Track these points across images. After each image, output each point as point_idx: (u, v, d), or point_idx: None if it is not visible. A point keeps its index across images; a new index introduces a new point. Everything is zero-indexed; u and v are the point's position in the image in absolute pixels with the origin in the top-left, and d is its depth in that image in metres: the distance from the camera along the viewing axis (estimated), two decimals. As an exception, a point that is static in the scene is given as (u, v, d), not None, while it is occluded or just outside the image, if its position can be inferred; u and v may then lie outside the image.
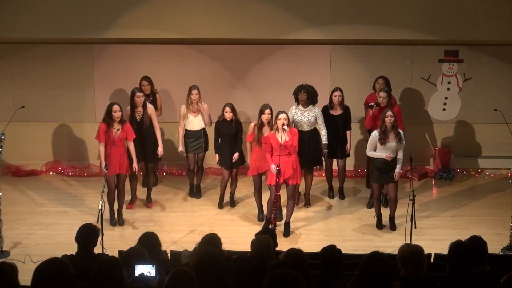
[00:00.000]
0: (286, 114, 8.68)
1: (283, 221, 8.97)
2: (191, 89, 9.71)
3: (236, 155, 9.46)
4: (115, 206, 9.15)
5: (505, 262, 6.95)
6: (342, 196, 10.19)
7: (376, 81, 10.16)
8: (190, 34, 10.07)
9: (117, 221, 9.15)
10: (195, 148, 9.88)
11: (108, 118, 8.86)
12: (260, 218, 9.27)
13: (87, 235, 5.91)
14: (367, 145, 8.98)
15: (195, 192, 10.15)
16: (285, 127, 8.53)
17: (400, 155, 8.74)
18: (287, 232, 8.87)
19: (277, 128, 8.64)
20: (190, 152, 9.91)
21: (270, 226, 8.54)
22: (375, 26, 10.03)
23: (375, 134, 8.79)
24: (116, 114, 8.82)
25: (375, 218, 9.13)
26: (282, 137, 8.58)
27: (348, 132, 9.87)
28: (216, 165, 9.93)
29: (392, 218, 9.04)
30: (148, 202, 9.77)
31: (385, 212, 9.16)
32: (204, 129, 9.88)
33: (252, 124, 9.25)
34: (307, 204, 9.82)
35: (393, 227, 9.03)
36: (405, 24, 10.04)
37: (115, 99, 9.89)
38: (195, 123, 9.79)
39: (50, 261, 4.70)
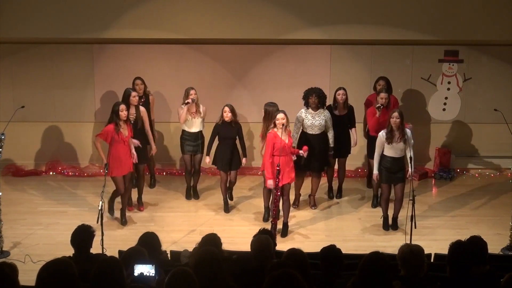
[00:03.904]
0: (285, 113, 8.67)
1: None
2: (189, 90, 9.66)
3: (244, 160, 9.54)
4: (118, 206, 9.17)
5: (505, 262, 6.95)
6: (339, 195, 10.19)
7: (377, 82, 10.11)
8: (190, 34, 10.07)
9: (120, 221, 9.15)
10: (192, 149, 9.85)
11: (116, 118, 8.85)
12: (265, 219, 9.25)
13: (82, 238, 5.88)
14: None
15: (193, 194, 10.12)
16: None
17: (409, 154, 8.67)
18: (285, 233, 8.86)
19: (276, 127, 8.63)
20: (186, 153, 9.89)
21: (270, 226, 8.53)
22: (375, 26, 10.03)
23: (382, 134, 8.79)
24: (123, 113, 8.82)
25: (382, 219, 9.11)
26: (283, 137, 8.59)
27: (353, 129, 9.88)
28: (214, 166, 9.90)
29: (395, 218, 9.05)
30: (140, 205, 9.70)
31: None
32: (201, 131, 9.84)
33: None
34: (313, 205, 9.80)
35: (395, 226, 9.05)
36: (405, 24, 10.05)
37: (115, 99, 9.89)
38: (194, 124, 9.76)
39: (55, 261, 4.70)
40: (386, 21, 10.03)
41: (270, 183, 8.64)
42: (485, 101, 11.10)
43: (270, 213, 8.84)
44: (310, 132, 9.35)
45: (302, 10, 9.99)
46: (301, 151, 8.83)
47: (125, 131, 8.90)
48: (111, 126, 8.82)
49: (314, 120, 9.36)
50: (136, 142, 9.12)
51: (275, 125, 8.63)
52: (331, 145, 9.51)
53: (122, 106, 8.86)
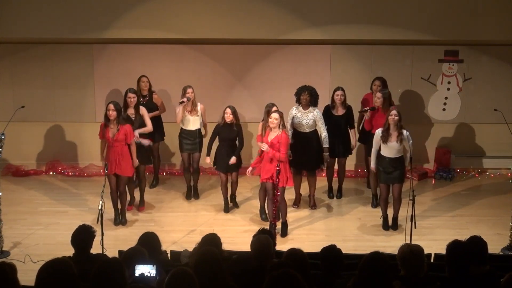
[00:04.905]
0: (279, 114, 8.68)
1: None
2: (186, 88, 9.69)
3: (233, 159, 9.36)
4: (118, 206, 9.16)
5: (505, 262, 6.95)
6: (339, 195, 10.19)
7: (373, 82, 10.15)
8: (190, 34, 10.08)
9: (120, 220, 9.15)
10: (190, 148, 9.85)
11: (105, 118, 8.89)
12: (263, 218, 9.26)
13: (82, 238, 5.87)
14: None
15: (193, 194, 10.12)
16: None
17: (409, 155, 8.66)
18: (284, 232, 8.85)
19: (268, 127, 8.73)
20: (184, 151, 9.90)
21: (269, 226, 8.53)
22: (375, 26, 10.04)
23: (378, 131, 8.79)
24: (109, 113, 8.81)
25: (381, 219, 9.11)
26: (268, 137, 8.66)
27: (352, 130, 9.90)
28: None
29: (395, 218, 9.05)
30: (140, 206, 9.68)
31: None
32: (200, 129, 9.84)
33: (260, 124, 9.24)
34: (313, 205, 9.78)
35: (395, 226, 9.04)
36: (405, 24, 10.05)
37: (114, 99, 9.86)
38: (191, 122, 9.78)
39: (54, 261, 4.70)
40: (386, 21, 10.03)
41: (265, 146, 8.60)
42: (485, 101, 11.09)
43: (269, 213, 8.83)
44: (299, 130, 9.39)
45: (302, 10, 9.99)
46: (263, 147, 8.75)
47: (114, 131, 8.86)
48: (102, 123, 8.93)
49: (302, 119, 9.37)
50: (146, 142, 9.29)
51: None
52: (325, 145, 9.37)
53: (109, 106, 8.84)
